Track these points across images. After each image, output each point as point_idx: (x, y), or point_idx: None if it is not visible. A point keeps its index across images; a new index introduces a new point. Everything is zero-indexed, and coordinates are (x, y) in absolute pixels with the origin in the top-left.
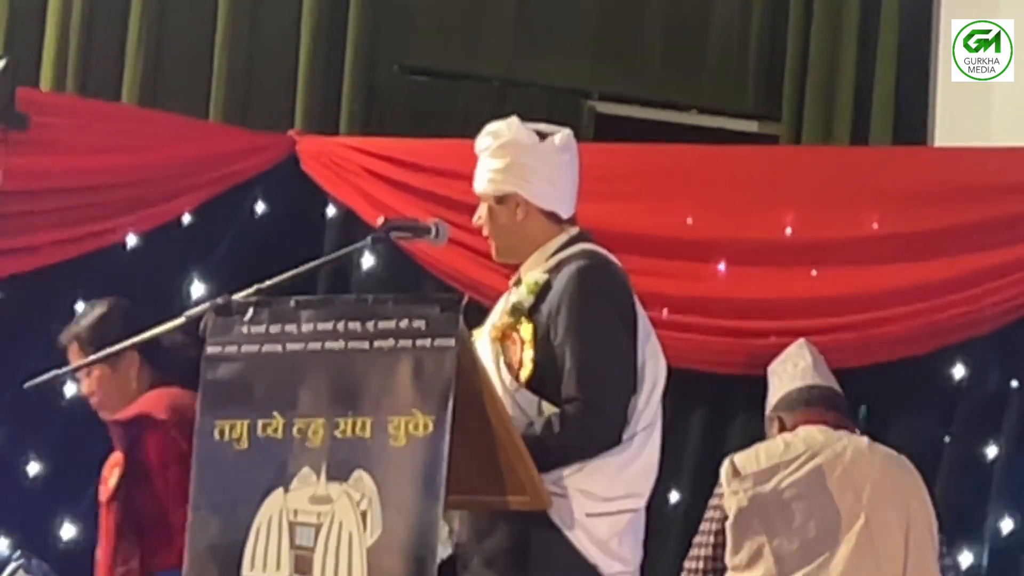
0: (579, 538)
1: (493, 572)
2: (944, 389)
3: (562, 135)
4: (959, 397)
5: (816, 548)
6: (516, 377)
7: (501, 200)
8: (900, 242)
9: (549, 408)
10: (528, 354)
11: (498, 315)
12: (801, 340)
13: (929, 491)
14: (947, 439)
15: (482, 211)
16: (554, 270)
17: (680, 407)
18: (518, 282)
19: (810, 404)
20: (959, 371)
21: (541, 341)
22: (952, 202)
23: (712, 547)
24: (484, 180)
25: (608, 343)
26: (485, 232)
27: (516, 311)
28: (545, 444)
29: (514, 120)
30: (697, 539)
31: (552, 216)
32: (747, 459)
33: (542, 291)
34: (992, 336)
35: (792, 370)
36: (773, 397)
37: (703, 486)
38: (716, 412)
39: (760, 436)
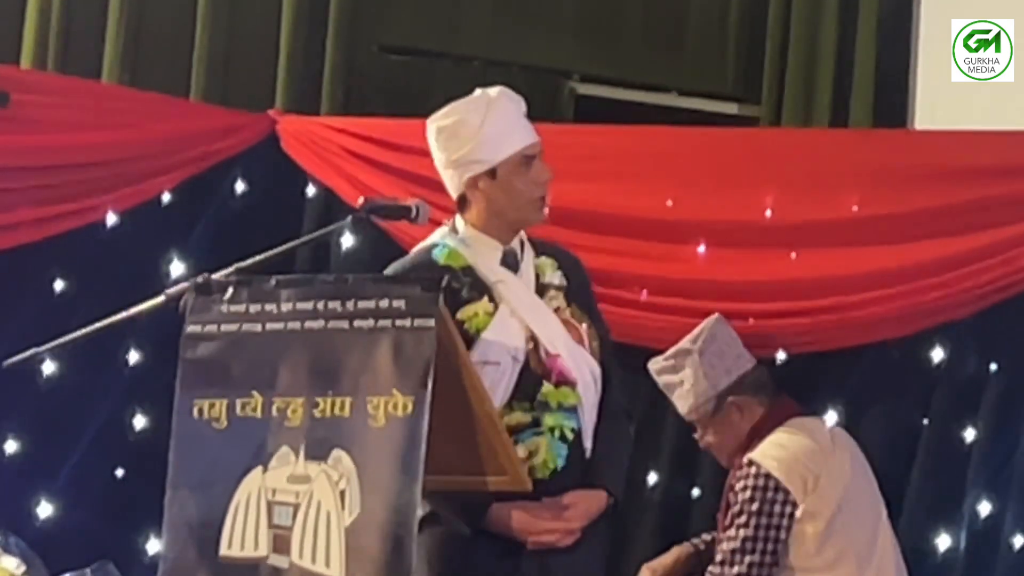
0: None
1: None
2: (923, 372)
3: None
4: (937, 380)
5: (872, 539)
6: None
7: None
8: (880, 225)
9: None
10: (595, 341)
11: (524, 290)
12: (718, 315)
13: (907, 474)
14: (925, 422)
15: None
16: (550, 252)
17: (659, 389)
18: (512, 258)
19: (775, 389)
20: (938, 354)
21: (596, 330)
22: (932, 185)
23: (777, 544)
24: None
25: None
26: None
27: (565, 294)
28: (626, 448)
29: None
30: (757, 533)
31: None
32: (813, 461)
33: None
34: (971, 319)
35: (732, 348)
36: (726, 375)
37: (680, 467)
38: None
39: None
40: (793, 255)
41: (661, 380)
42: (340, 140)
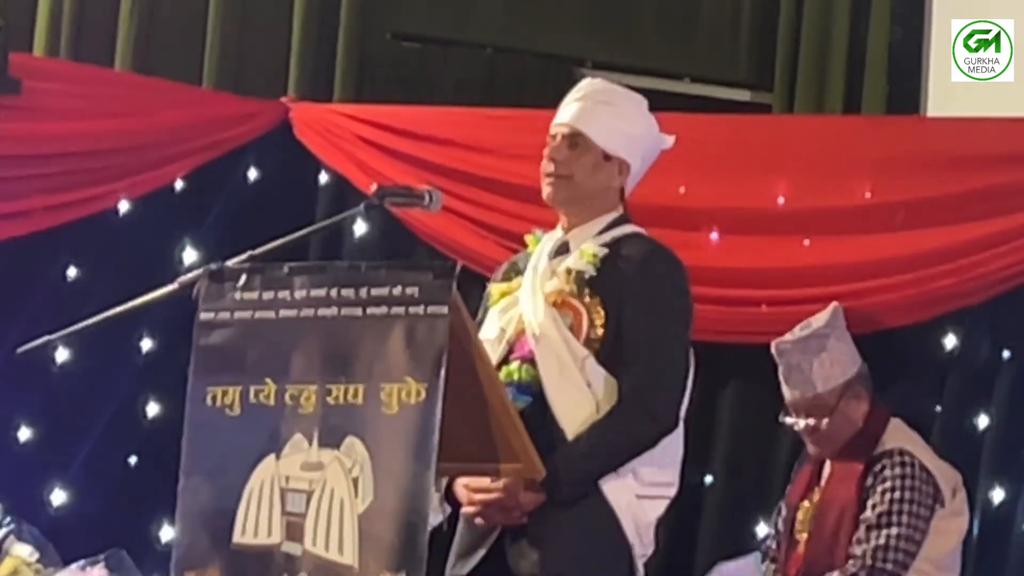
0: (626, 519)
1: (539, 545)
2: (935, 359)
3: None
4: (950, 367)
5: None
6: (584, 346)
7: (609, 158)
8: (892, 211)
9: (612, 382)
10: (598, 325)
11: (541, 276)
12: (837, 303)
13: None
14: (938, 409)
15: (569, 154)
16: (614, 246)
17: None
18: (564, 247)
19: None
20: (951, 341)
21: (611, 316)
22: (945, 171)
23: (924, 535)
24: (609, 134)
25: (683, 335)
26: (561, 171)
27: (580, 279)
28: (614, 439)
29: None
30: (917, 522)
31: (623, 194)
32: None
33: (603, 264)
34: (984, 306)
35: (849, 337)
36: (852, 364)
37: (692, 452)
38: (707, 380)
39: (751, 404)
40: (806, 242)
41: (787, 360)
42: (353, 127)
